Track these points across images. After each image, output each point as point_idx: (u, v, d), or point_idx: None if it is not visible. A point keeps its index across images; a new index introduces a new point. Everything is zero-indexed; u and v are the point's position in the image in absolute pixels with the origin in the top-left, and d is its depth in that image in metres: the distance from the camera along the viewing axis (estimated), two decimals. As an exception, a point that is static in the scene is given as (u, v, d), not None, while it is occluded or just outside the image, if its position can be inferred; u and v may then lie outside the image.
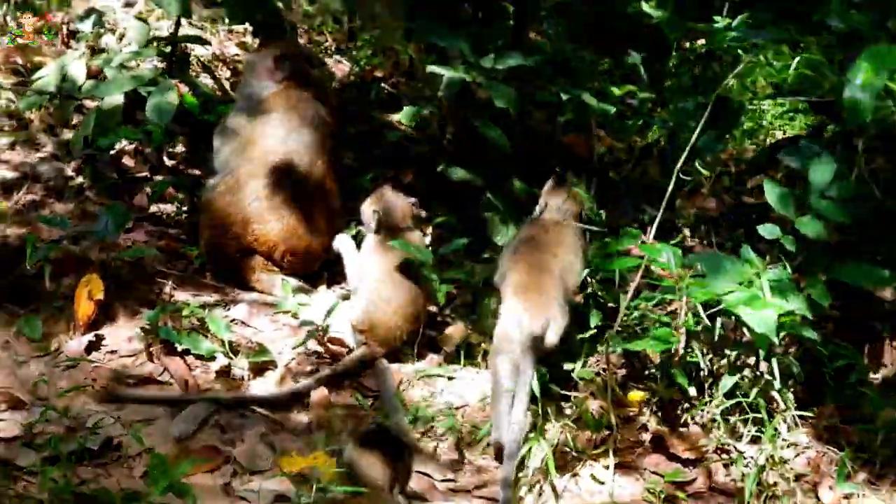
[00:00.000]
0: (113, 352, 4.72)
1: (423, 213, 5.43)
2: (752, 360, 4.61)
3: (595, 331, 4.74)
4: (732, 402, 4.55)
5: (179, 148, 6.16)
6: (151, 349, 4.72)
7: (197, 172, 5.96)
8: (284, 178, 5.30)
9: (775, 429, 4.50)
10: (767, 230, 4.71)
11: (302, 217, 5.33)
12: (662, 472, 4.39)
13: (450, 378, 4.79)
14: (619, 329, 4.63)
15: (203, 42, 6.28)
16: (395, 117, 4.57)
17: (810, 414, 4.67)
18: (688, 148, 4.94)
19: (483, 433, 4.45)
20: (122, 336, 4.78)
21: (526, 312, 4.41)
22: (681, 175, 4.72)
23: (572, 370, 4.67)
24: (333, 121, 5.56)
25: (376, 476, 3.55)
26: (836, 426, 4.69)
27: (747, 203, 6.27)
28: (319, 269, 5.41)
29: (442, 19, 5.51)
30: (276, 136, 5.36)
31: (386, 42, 6.28)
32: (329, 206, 5.45)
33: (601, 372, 4.68)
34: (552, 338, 4.44)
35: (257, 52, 5.81)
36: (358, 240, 5.18)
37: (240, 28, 6.85)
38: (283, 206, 5.30)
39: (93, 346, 4.71)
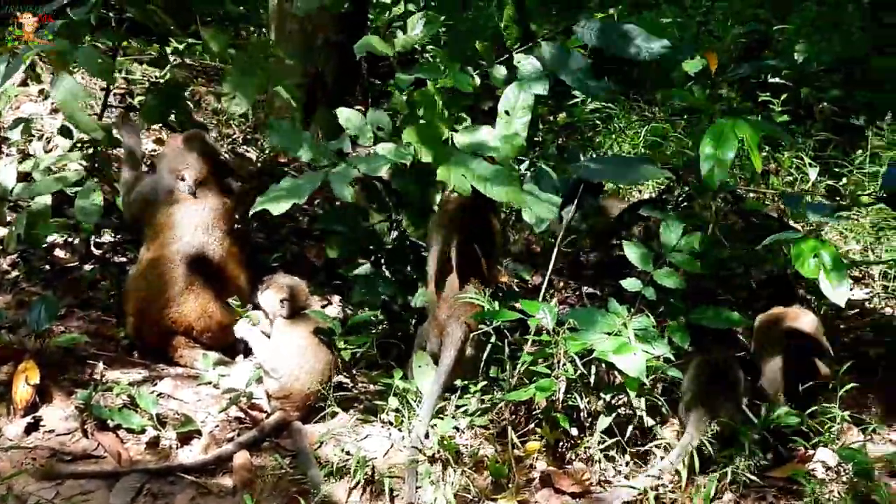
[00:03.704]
0: (50, 431, 4.63)
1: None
2: (625, 400, 4.67)
3: (486, 382, 4.80)
4: (613, 440, 4.63)
5: (106, 238, 6.12)
6: (86, 426, 4.65)
7: (123, 260, 5.93)
8: (194, 265, 5.30)
9: (648, 459, 4.57)
10: (630, 284, 4.83)
11: (212, 298, 5.33)
12: (552, 507, 4.41)
13: (358, 434, 4.77)
14: (507, 380, 4.69)
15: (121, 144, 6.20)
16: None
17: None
18: (566, 224, 5.10)
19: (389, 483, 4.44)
20: (59, 416, 4.70)
21: None
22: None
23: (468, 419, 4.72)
24: (236, 208, 5.55)
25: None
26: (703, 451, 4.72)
27: (613, 257, 6.38)
28: (236, 341, 5.37)
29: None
30: (185, 226, 5.35)
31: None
32: (238, 286, 5.44)
33: (493, 420, 4.73)
34: None
35: (173, 145, 5.70)
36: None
37: (156, 126, 6.79)
38: (194, 291, 5.30)
39: (31, 428, 4.62)
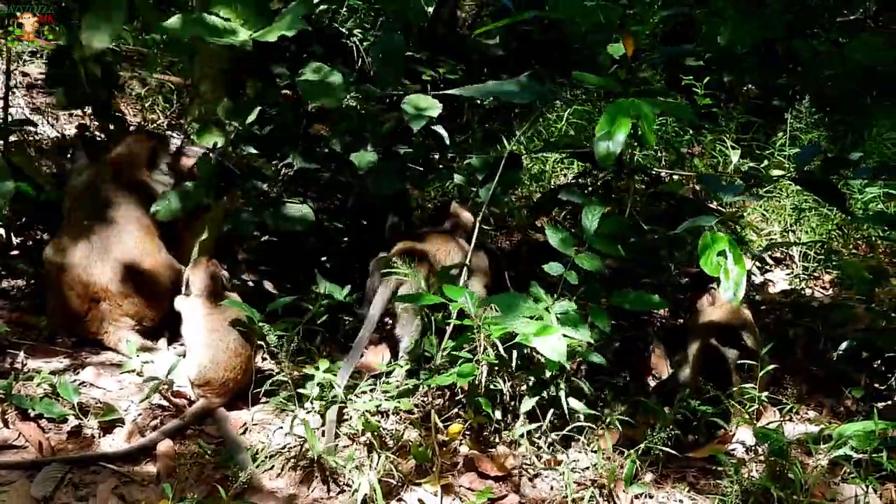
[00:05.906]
0: (-30, 422, 4.58)
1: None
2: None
3: (409, 366, 4.83)
4: (535, 425, 4.68)
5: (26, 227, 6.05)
6: (6, 416, 4.58)
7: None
8: (112, 242, 5.29)
9: (573, 441, 4.63)
10: (552, 268, 4.84)
11: (131, 274, 5.30)
12: (475, 490, 4.42)
13: (282, 420, 4.77)
14: (431, 365, 4.72)
15: (32, 124, 6.03)
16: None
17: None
18: (486, 200, 5.12)
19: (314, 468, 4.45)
20: (-22, 407, 4.64)
21: None
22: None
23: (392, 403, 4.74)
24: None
25: None
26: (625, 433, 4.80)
27: (536, 240, 6.42)
28: (161, 326, 5.34)
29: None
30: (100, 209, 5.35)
31: (212, 115, 6.23)
32: (160, 264, 5.43)
33: (417, 404, 4.75)
34: None
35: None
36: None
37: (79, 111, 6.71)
38: (111, 268, 5.27)
39: (-50, 419, 4.56)
